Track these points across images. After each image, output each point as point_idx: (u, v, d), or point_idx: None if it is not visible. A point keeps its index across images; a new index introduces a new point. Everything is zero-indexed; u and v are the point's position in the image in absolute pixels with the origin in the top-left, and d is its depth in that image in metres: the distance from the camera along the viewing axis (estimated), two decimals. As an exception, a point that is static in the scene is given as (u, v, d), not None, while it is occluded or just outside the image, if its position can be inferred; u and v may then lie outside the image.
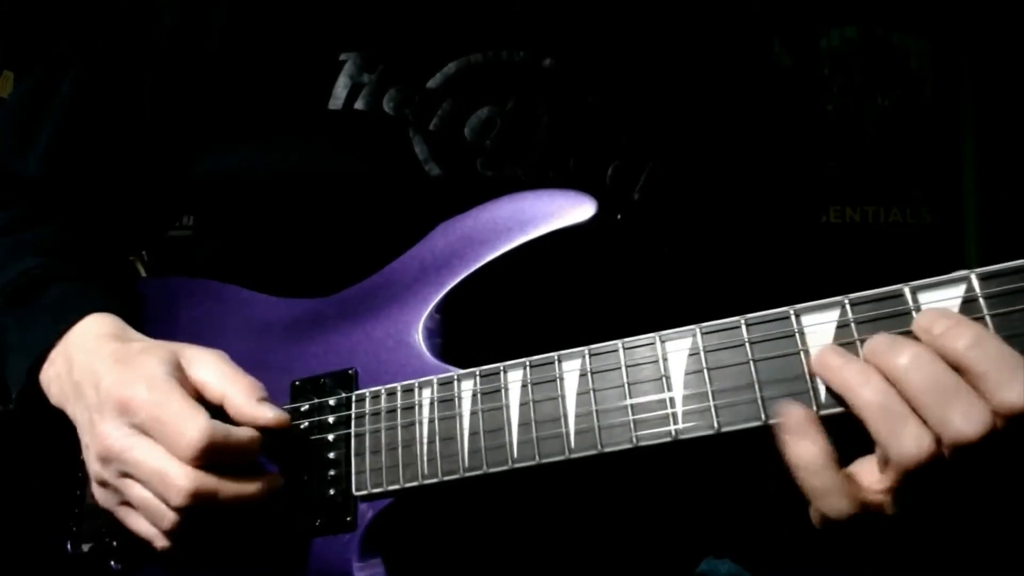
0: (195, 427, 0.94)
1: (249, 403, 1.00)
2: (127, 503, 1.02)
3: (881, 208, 3.38)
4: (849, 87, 3.47)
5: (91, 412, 1.03)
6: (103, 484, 1.03)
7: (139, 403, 0.98)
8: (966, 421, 0.71)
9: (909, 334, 0.77)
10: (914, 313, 0.77)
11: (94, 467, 1.03)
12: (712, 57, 1.29)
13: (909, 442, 0.73)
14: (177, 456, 0.95)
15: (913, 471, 0.74)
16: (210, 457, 0.95)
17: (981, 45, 3.44)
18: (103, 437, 1.00)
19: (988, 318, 0.74)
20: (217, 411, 1.00)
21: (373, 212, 1.16)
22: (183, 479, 0.94)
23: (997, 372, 0.71)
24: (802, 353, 0.80)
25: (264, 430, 1.00)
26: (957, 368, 0.73)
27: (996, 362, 0.71)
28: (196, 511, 0.96)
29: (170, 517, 0.97)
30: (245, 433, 0.99)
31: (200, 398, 1.01)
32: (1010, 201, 3.25)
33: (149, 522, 1.00)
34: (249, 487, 0.98)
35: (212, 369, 1.03)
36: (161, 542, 1.00)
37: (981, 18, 3.41)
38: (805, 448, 0.78)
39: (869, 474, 0.79)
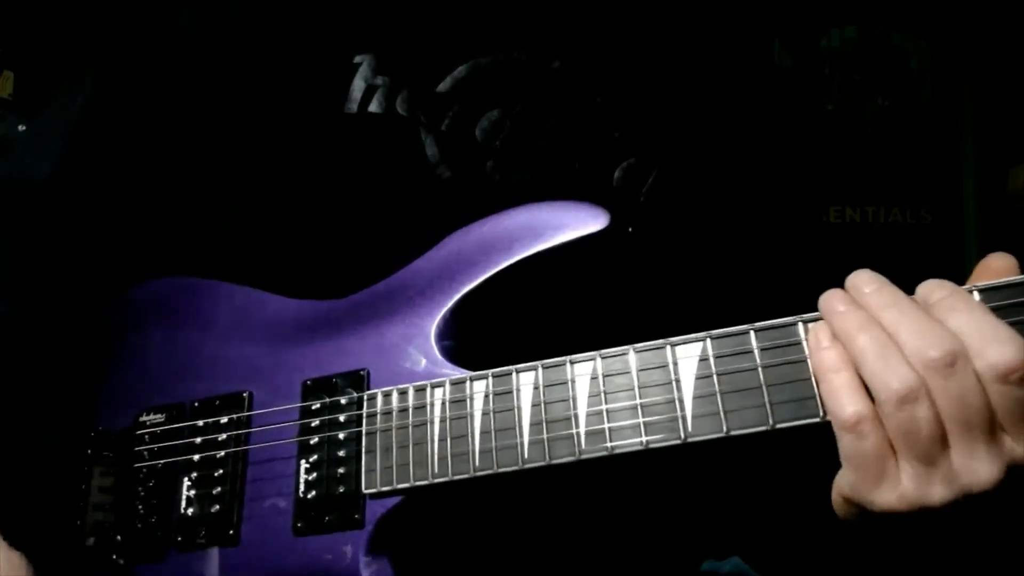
0: None
1: None
2: None
3: (881, 208, 3.38)
4: (849, 87, 3.47)
5: None
6: None
7: None
8: (936, 346, 0.73)
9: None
10: None
11: None
12: (714, 58, 1.30)
13: (896, 374, 0.75)
14: None
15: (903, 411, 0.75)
16: None
17: (981, 45, 3.44)
18: None
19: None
20: None
21: (385, 214, 1.17)
22: None
23: (980, 336, 0.73)
24: (809, 360, 0.82)
25: (271, 423, 1.00)
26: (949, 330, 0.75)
27: (979, 328, 0.74)
28: None
29: None
30: None
31: None
32: (1009, 207, 3.25)
33: None
34: None
35: None
36: None
37: (981, 18, 3.41)
38: (829, 354, 0.80)
39: None
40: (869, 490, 0.78)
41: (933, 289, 0.79)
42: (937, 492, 0.75)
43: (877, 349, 0.76)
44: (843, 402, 0.77)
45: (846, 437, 0.78)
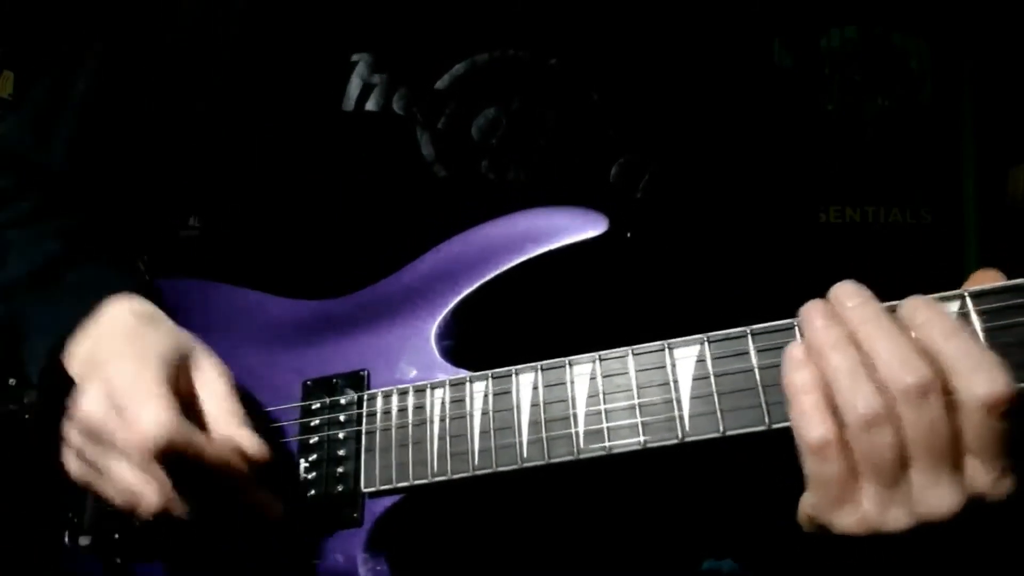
0: (159, 418, 0.93)
1: (230, 423, 0.99)
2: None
3: (881, 208, 3.38)
4: (849, 87, 3.47)
5: (86, 374, 1.03)
6: (79, 451, 1.02)
7: (124, 386, 0.96)
8: (908, 373, 0.73)
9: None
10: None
11: (72, 434, 1.02)
12: (714, 57, 1.30)
13: (863, 397, 0.74)
14: (131, 444, 0.94)
15: (864, 439, 0.75)
16: (172, 461, 0.93)
17: (981, 45, 3.44)
18: (86, 405, 0.99)
19: (980, 332, 0.77)
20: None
21: (381, 213, 1.18)
22: (152, 496, 0.94)
23: (966, 363, 0.72)
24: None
25: (273, 431, 1.01)
26: (929, 354, 0.74)
27: (967, 355, 0.72)
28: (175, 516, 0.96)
29: (147, 516, 0.97)
30: (210, 448, 0.96)
31: (189, 405, 1.00)
32: (1009, 210, 3.26)
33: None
34: (219, 507, 0.99)
35: (210, 388, 1.02)
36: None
37: (981, 18, 3.41)
38: (801, 374, 0.78)
39: None
40: (830, 511, 0.79)
41: (918, 308, 0.77)
42: (896, 518, 0.76)
43: (849, 369, 0.76)
44: (809, 424, 0.77)
45: (810, 459, 0.78)
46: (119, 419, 0.96)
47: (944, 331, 0.74)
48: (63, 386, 1.12)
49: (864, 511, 0.77)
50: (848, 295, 0.79)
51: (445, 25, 1.22)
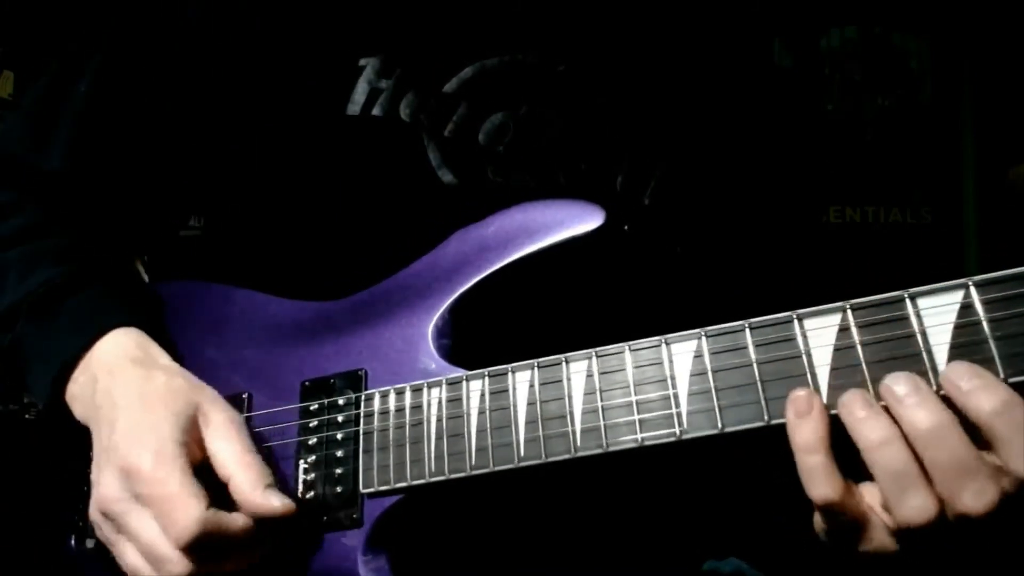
0: (189, 516, 0.94)
1: (255, 492, 0.99)
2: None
3: (881, 208, 3.39)
4: (849, 87, 3.47)
5: (100, 454, 1.04)
6: (99, 528, 1.04)
7: (143, 475, 0.97)
8: (977, 499, 0.72)
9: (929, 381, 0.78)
10: (913, 318, 0.79)
11: (93, 511, 1.03)
12: (718, 61, 1.30)
13: (913, 506, 0.75)
14: (171, 539, 0.95)
15: (912, 529, 0.75)
16: (202, 545, 0.95)
17: (981, 45, 3.44)
18: (104, 491, 1.00)
19: (984, 322, 0.76)
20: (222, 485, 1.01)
21: (386, 217, 1.17)
22: (175, 565, 0.96)
23: (1020, 440, 0.71)
24: (804, 356, 0.82)
25: (272, 432, 1.01)
26: (978, 426, 0.73)
27: (1020, 430, 0.71)
28: None
29: None
30: (239, 524, 0.98)
31: (206, 465, 1.01)
32: (1010, 201, 3.26)
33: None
34: (243, 561, 1.00)
35: (225, 443, 1.02)
36: None
37: (981, 18, 3.42)
38: (805, 430, 0.79)
39: (872, 499, 0.80)
40: (845, 543, 0.81)
41: (963, 375, 0.75)
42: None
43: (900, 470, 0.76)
44: (815, 484, 0.78)
45: (817, 511, 0.80)
46: (137, 507, 0.98)
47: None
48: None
49: (880, 543, 0.80)
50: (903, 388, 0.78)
51: (454, 29, 1.21)
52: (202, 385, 1.08)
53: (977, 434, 0.74)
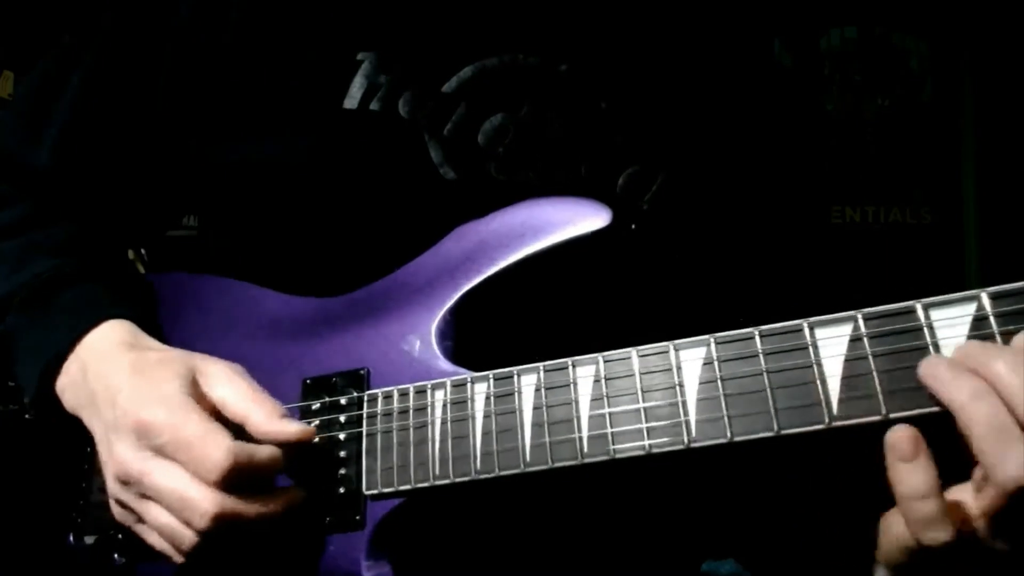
0: (219, 449, 0.94)
1: (272, 421, 1.00)
2: (144, 522, 1.02)
3: (881, 208, 3.39)
4: (849, 87, 3.47)
5: (108, 430, 1.03)
6: (121, 504, 1.03)
7: (159, 425, 0.97)
8: None
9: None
10: (925, 330, 0.78)
11: (112, 486, 1.03)
12: (720, 63, 1.29)
13: (1016, 463, 0.71)
14: (202, 478, 0.95)
15: (1015, 495, 0.72)
16: (234, 478, 0.95)
17: (981, 45, 3.44)
18: (121, 460, 1.00)
19: (998, 335, 0.76)
20: (235, 428, 1.00)
21: (387, 212, 1.17)
22: (207, 503, 0.94)
23: None
24: (815, 366, 0.81)
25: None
26: None
27: None
28: (217, 532, 0.96)
29: (190, 540, 0.97)
30: (268, 452, 0.98)
31: (217, 415, 1.01)
32: (1010, 201, 3.26)
33: (168, 543, 1.00)
34: (270, 505, 0.98)
35: (230, 387, 1.03)
36: (178, 559, 1.00)
37: (981, 18, 3.42)
38: (915, 476, 0.75)
39: (969, 498, 0.77)
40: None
41: None
42: None
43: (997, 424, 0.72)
44: (932, 531, 0.75)
45: (922, 546, 0.77)
46: (159, 459, 0.98)
47: None
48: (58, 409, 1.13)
49: None
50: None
51: (454, 28, 1.20)
52: (195, 353, 1.08)
53: None
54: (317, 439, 1.07)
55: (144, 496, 1.00)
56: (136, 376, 1.03)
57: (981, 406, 0.72)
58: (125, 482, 1.00)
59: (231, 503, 0.95)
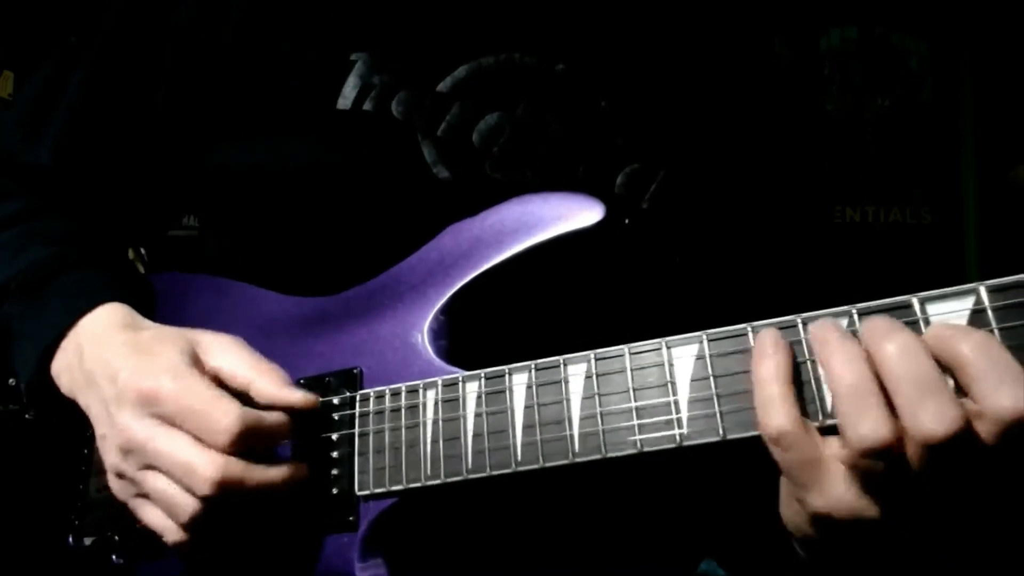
0: (228, 415, 0.95)
1: (278, 387, 1.01)
2: (144, 495, 1.02)
3: (881, 208, 3.39)
4: (849, 87, 3.47)
5: (107, 404, 1.03)
6: (121, 476, 1.03)
7: (165, 394, 0.97)
8: (936, 420, 0.69)
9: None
10: (922, 324, 0.77)
11: (112, 459, 1.02)
12: (720, 62, 1.29)
13: (866, 427, 0.72)
14: (211, 444, 0.95)
15: (869, 457, 0.73)
16: (243, 444, 0.95)
17: (981, 45, 3.45)
18: (124, 427, 0.99)
19: (996, 330, 0.74)
20: (238, 398, 1.00)
21: (381, 212, 1.16)
22: (211, 468, 0.94)
23: (994, 375, 0.70)
24: (808, 363, 0.80)
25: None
26: (952, 367, 0.72)
27: (995, 366, 0.70)
28: (217, 502, 0.96)
29: (189, 509, 0.96)
30: (275, 417, 0.99)
31: (220, 385, 1.01)
32: (1010, 201, 3.26)
33: (166, 515, 0.99)
34: (274, 474, 0.98)
35: (233, 356, 1.03)
36: (174, 536, 0.99)
37: (981, 18, 3.42)
38: (768, 363, 0.79)
39: (832, 449, 0.78)
40: (801, 493, 0.79)
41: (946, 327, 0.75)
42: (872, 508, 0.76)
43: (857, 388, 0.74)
44: (770, 413, 0.78)
45: (771, 447, 0.79)
46: (164, 427, 0.97)
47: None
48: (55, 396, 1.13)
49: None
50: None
51: (449, 27, 1.20)
52: (193, 328, 1.08)
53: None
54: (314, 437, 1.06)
55: (146, 466, 0.99)
56: (136, 354, 1.03)
57: (847, 368, 0.74)
58: (128, 451, 1.00)
59: (235, 468, 0.95)
